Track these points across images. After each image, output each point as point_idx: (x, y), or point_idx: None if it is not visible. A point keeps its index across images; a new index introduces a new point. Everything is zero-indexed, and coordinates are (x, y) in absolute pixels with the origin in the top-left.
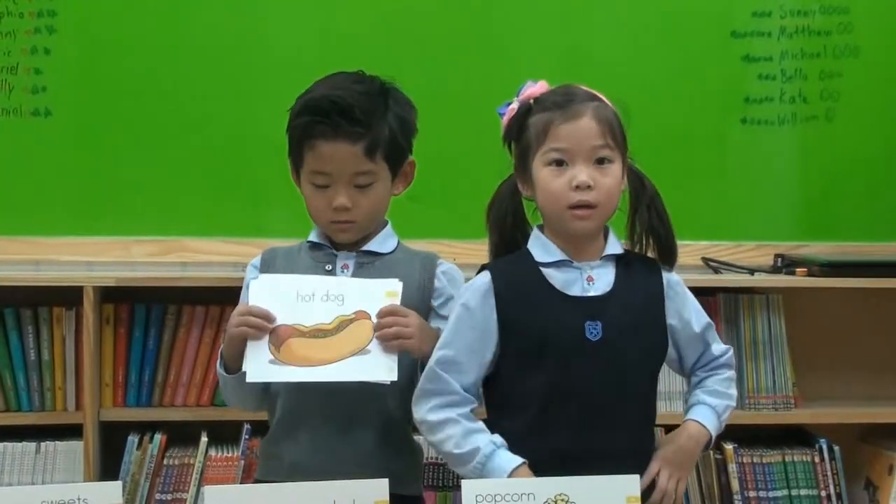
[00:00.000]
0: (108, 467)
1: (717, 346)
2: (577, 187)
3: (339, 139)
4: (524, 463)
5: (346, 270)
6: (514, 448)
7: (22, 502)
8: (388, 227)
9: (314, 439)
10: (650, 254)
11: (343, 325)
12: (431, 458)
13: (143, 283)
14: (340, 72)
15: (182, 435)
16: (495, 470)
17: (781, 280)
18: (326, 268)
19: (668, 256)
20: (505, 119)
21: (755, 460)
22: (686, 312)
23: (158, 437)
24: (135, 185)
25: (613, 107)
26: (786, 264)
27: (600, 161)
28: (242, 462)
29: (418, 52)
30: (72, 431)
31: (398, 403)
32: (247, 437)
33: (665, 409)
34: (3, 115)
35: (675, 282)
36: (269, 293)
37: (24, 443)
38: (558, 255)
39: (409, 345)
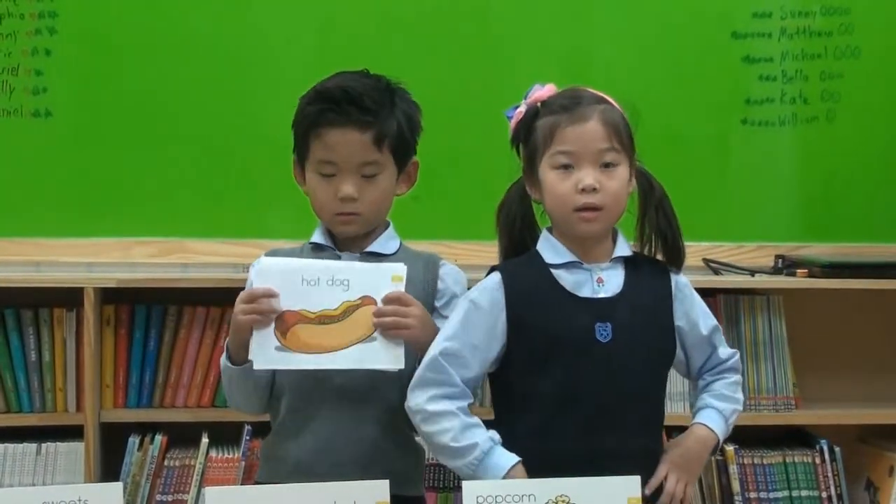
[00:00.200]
0: (108, 468)
1: (724, 350)
2: (583, 190)
3: (349, 127)
4: (520, 461)
5: None
6: (522, 449)
7: (23, 503)
8: (391, 228)
9: (320, 439)
10: (658, 256)
11: (349, 310)
12: (432, 458)
13: (143, 284)
14: (346, 70)
15: (183, 436)
16: (492, 467)
17: (782, 281)
18: None
19: (675, 258)
20: (513, 122)
21: (756, 461)
22: (694, 314)
23: (159, 438)
24: (135, 186)
25: (622, 110)
26: (786, 265)
27: (606, 164)
28: (243, 463)
29: (420, 54)
30: (72, 432)
31: (403, 402)
32: (248, 438)
33: (667, 409)
34: (3, 115)
35: (684, 284)
36: (272, 278)
37: (25, 444)
38: (568, 256)
39: (407, 335)
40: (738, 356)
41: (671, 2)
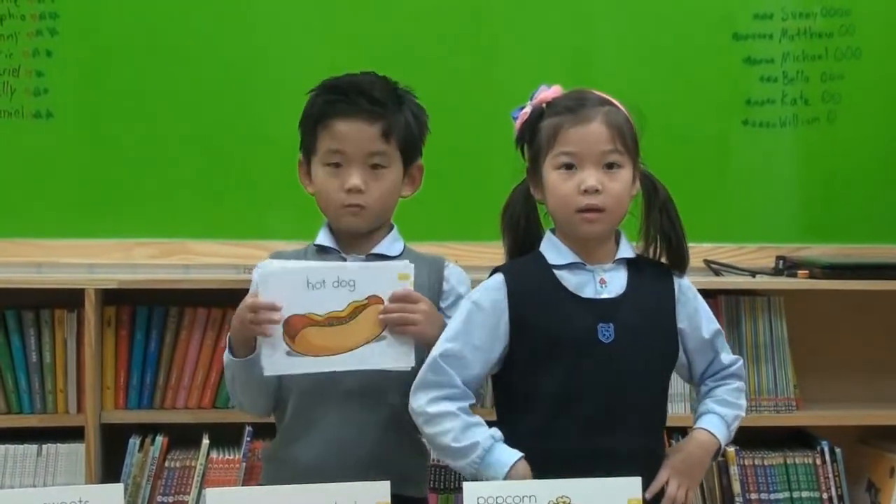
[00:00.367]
0: (109, 470)
1: (727, 356)
2: (586, 191)
3: (358, 117)
4: (522, 457)
5: None
6: (524, 449)
7: None
8: (395, 230)
9: (326, 442)
10: (662, 259)
11: (357, 311)
12: (434, 459)
13: (144, 285)
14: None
15: (183, 437)
16: (494, 464)
17: (783, 282)
18: None
19: (679, 261)
20: (518, 123)
21: (756, 462)
22: (696, 317)
23: (160, 439)
24: (136, 187)
25: (626, 112)
26: (787, 266)
27: (609, 165)
28: (244, 464)
29: (421, 55)
30: (73, 434)
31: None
32: (248, 439)
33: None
34: (4, 117)
35: (687, 287)
36: (277, 284)
37: (26, 445)
38: (570, 257)
39: (415, 331)
40: (741, 363)
41: (672, 3)
